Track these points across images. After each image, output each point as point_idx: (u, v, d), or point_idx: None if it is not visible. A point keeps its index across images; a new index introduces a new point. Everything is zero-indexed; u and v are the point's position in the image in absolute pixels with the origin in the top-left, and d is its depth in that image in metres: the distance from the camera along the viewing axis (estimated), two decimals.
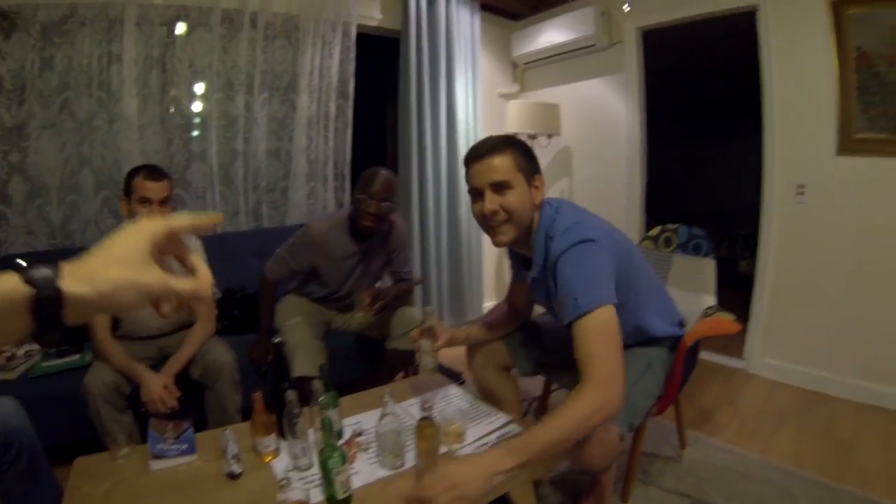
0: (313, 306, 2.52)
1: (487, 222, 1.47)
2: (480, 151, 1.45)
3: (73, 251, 2.24)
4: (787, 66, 2.88)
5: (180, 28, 2.91)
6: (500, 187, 1.43)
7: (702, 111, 5.22)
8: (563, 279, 1.38)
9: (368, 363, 2.65)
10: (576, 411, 1.23)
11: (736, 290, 3.30)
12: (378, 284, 2.57)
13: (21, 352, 2.25)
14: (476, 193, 1.48)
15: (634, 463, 1.82)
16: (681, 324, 1.79)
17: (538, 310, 2.00)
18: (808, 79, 2.79)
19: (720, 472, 2.02)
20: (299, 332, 2.31)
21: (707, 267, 2.02)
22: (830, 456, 2.09)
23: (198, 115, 3.03)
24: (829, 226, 2.73)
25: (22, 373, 2.20)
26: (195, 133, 3.01)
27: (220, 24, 2.94)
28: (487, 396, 1.95)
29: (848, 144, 2.68)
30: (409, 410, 1.85)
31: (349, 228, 2.33)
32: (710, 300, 1.96)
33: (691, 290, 2.02)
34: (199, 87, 3.02)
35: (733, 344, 2.98)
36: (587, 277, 1.35)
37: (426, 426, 1.52)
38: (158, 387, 1.95)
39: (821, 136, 2.73)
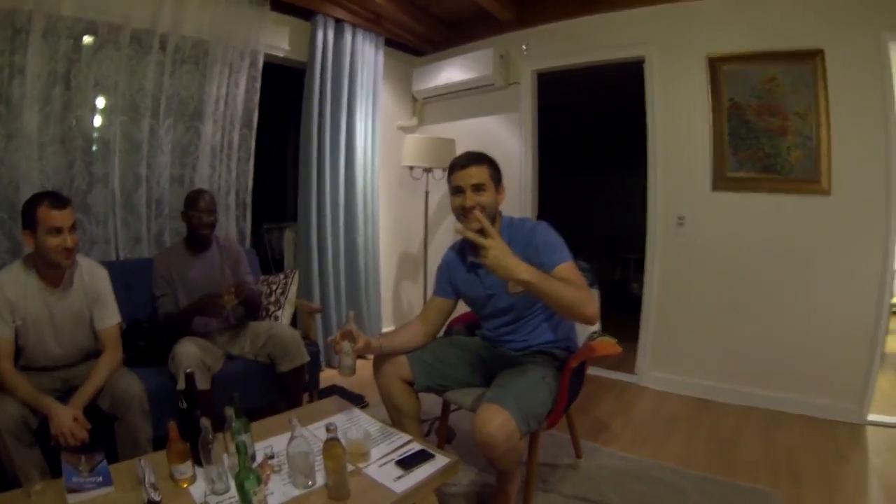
0: (204, 342, 2.62)
1: (466, 213, 1.90)
2: (465, 161, 1.94)
3: None
4: (669, 111, 3.27)
5: (88, 41, 2.83)
6: (478, 188, 1.91)
7: (595, 145, 5.55)
8: (542, 241, 1.88)
9: (272, 389, 2.78)
10: (575, 292, 1.72)
11: (629, 311, 3.57)
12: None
13: None
14: (458, 191, 1.93)
15: (532, 471, 1.95)
16: (568, 349, 2.07)
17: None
18: (687, 123, 3.18)
19: (616, 476, 2.15)
20: (191, 349, 2.43)
21: (593, 297, 2.18)
22: (717, 454, 2.31)
23: (101, 137, 2.96)
24: (706, 252, 3.09)
25: None
26: (97, 155, 2.93)
27: (128, 43, 2.89)
28: (390, 406, 2.11)
29: (721, 182, 3.10)
30: (316, 433, 1.95)
31: (186, 247, 2.73)
32: (596, 326, 2.06)
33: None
34: (104, 108, 2.96)
35: (626, 360, 3.21)
36: (560, 242, 1.89)
37: (333, 446, 1.64)
38: (68, 419, 1.88)
39: (698, 174, 3.11)
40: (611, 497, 2.00)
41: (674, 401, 2.89)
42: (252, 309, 2.79)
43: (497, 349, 2.13)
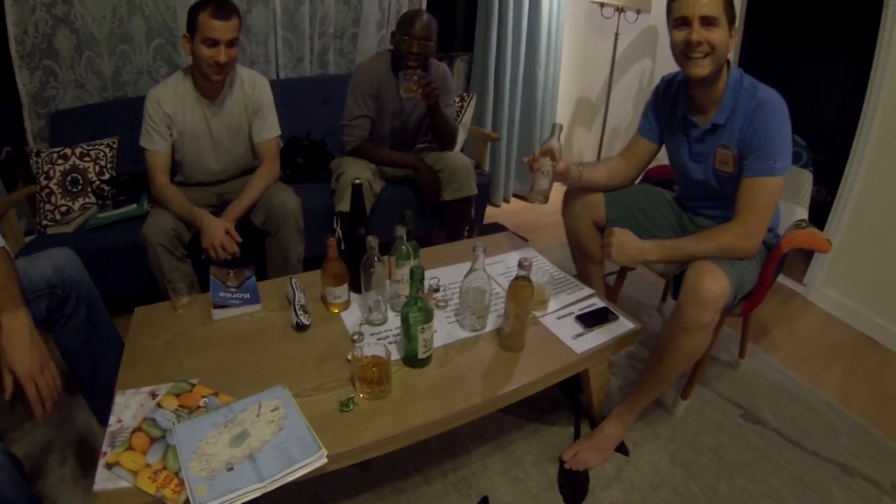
0: (373, 165, 2.38)
1: (690, 51, 1.48)
2: None
3: (125, 102, 2.13)
4: None
5: None
6: (708, 22, 1.44)
7: (809, 21, 4.55)
8: (766, 131, 1.47)
9: (432, 218, 2.54)
10: (719, 239, 1.50)
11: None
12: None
13: (77, 205, 2.15)
14: (682, 22, 1.48)
15: (707, 358, 1.75)
16: (772, 230, 1.78)
17: None
18: None
19: (772, 389, 2.00)
20: (360, 166, 2.27)
21: (804, 178, 1.87)
22: (874, 404, 2.01)
23: None
24: None
25: (79, 225, 2.11)
26: None
27: None
28: (576, 251, 1.94)
29: None
30: (487, 270, 1.65)
31: (392, 67, 2.32)
32: (803, 213, 1.86)
33: (785, 200, 1.87)
34: None
35: (795, 266, 2.82)
36: (787, 143, 1.49)
37: (524, 286, 1.33)
38: (220, 231, 1.81)
39: None
40: (765, 412, 1.87)
41: (840, 328, 2.52)
42: (447, 141, 2.48)
43: (698, 219, 1.84)
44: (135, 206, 2.14)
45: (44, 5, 2.26)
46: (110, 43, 2.45)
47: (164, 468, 0.98)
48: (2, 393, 1.06)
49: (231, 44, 1.81)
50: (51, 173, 2.12)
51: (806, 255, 2.77)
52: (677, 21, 1.49)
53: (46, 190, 2.11)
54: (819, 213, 2.67)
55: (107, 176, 2.22)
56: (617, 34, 3.34)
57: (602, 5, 3.27)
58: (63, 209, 2.12)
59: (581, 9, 3.62)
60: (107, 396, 1.45)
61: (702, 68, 1.47)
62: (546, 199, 1.62)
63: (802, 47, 3.98)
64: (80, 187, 2.15)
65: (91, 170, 2.18)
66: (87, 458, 1.53)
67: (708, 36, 1.44)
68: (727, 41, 1.47)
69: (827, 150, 2.88)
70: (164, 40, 2.56)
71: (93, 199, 2.18)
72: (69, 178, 2.14)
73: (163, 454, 1.01)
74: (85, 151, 2.19)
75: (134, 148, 2.25)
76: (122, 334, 1.49)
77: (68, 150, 2.16)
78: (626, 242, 1.57)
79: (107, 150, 2.25)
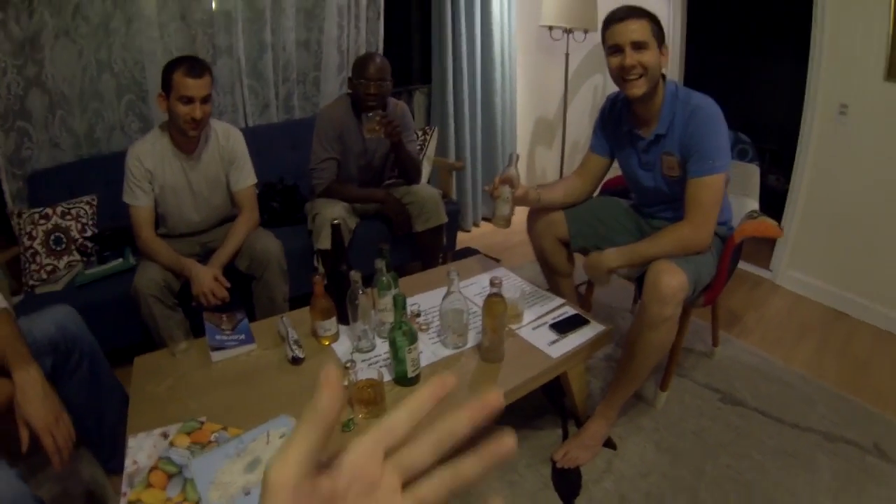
0: (345, 203, 2.45)
1: (625, 75, 1.62)
2: (622, 14, 1.61)
3: (100, 158, 2.16)
4: None
5: None
6: (638, 46, 1.58)
7: (746, 22, 4.83)
8: (701, 135, 1.61)
9: (405, 250, 2.64)
10: (671, 238, 1.62)
11: (763, 205, 3.21)
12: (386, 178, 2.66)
13: (62, 263, 2.20)
14: (615, 49, 1.62)
15: (677, 352, 1.85)
16: (726, 224, 1.89)
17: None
18: (861, 1, 2.45)
19: (747, 371, 2.11)
20: (334, 207, 2.33)
21: (752, 172, 2.04)
22: (848, 372, 2.14)
23: (221, 9, 2.78)
24: (870, 149, 2.49)
25: (67, 283, 2.15)
26: (219, 27, 2.78)
27: None
28: (544, 265, 2.04)
29: None
30: (463, 292, 1.74)
31: (353, 109, 2.42)
32: (754, 204, 2.00)
33: (736, 194, 2.02)
34: None
35: (760, 254, 2.98)
36: (723, 143, 1.62)
37: (496, 302, 1.45)
38: (209, 278, 1.89)
39: (868, 60, 2.45)
40: (742, 393, 1.98)
41: (808, 306, 2.68)
42: (413, 176, 2.58)
43: (654, 222, 1.94)
44: (120, 260, 2.20)
45: (14, 66, 2.30)
46: (82, 101, 2.50)
47: (185, 500, 1.07)
48: (19, 446, 1.12)
49: (205, 100, 1.88)
50: (34, 233, 2.16)
51: (769, 243, 2.92)
52: (611, 48, 1.63)
53: (31, 250, 2.15)
54: (781, 201, 2.87)
55: (89, 233, 2.27)
56: (567, 54, 3.51)
57: (551, 28, 3.44)
58: (49, 268, 2.16)
59: (531, 34, 3.78)
60: (112, 446, 1.52)
61: (638, 88, 1.61)
62: (508, 223, 1.73)
63: (744, 48, 4.24)
64: (63, 246, 2.20)
65: (73, 228, 2.23)
66: None
67: (640, 59, 1.58)
68: (658, 60, 1.61)
69: (779, 141, 3.09)
70: (134, 96, 2.62)
71: (77, 257, 2.22)
72: (52, 237, 2.19)
73: (182, 488, 1.09)
74: (66, 210, 2.24)
75: (113, 204, 2.33)
76: (124, 384, 1.54)
77: (49, 210, 2.21)
78: (592, 260, 1.69)
79: (87, 207, 2.31)
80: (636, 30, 1.58)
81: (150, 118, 2.62)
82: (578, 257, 2.02)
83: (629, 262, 1.65)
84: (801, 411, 1.88)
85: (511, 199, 1.72)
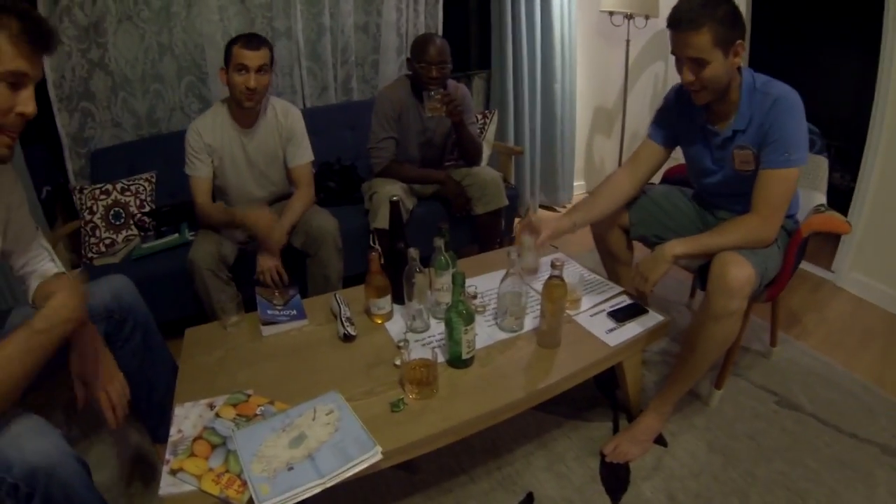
0: (403, 184, 2.44)
1: (686, 87, 1.56)
2: (679, 20, 1.46)
3: (160, 138, 2.21)
4: None
5: None
6: (697, 63, 1.47)
7: (814, 11, 4.57)
8: (781, 126, 1.50)
9: (458, 234, 2.50)
10: (737, 230, 1.53)
11: (827, 201, 3.02)
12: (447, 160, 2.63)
13: (120, 237, 2.24)
14: (676, 57, 1.53)
15: (736, 349, 1.77)
16: (792, 217, 1.81)
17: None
18: None
19: (805, 375, 2.01)
20: (392, 186, 2.32)
21: (820, 164, 1.90)
22: None
23: None
24: None
25: (124, 256, 2.20)
26: (278, 10, 2.78)
27: None
28: (604, 253, 2.01)
29: None
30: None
31: (412, 90, 2.41)
32: (821, 198, 1.89)
33: (803, 187, 1.89)
34: None
35: (822, 254, 2.82)
36: (802, 135, 1.52)
37: (557, 285, 1.38)
38: (270, 264, 1.92)
39: None
40: (800, 398, 1.88)
41: (872, 311, 2.50)
42: (473, 157, 2.54)
43: (720, 213, 1.84)
44: (176, 235, 2.23)
45: (79, 50, 2.37)
46: (143, 83, 2.56)
47: (227, 471, 1.02)
48: (75, 403, 1.12)
49: (260, 70, 1.92)
50: (94, 208, 2.21)
51: (833, 243, 2.77)
52: (673, 53, 1.53)
53: (91, 224, 2.20)
54: (844, 199, 2.68)
55: (147, 209, 2.30)
56: (628, 41, 3.38)
57: (611, 14, 3.30)
58: (107, 241, 2.21)
59: (591, 19, 3.64)
60: (160, 415, 1.51)
61: (700, 99, 1.54)
62: (537, 270, 1.73)
63: (810, 39, 3.99)
64: (122, 220, 2.24)
65: (132, 203, 2.27)
66: (143, 471, 1.58)
67: (698, 74, 1.47)
68: (723, 70, 1.48)
69: (846, 137, 2.90)
70: (194, 77, 2.66)
71: (135, 231, 2.26)
72: (112, 212, 2.23)
73: (224, 459, 1.05)
74: (125, 186, 2.28)
75: (171, 181, 2.39)
76: (174, 356, 1.54)
77: (110, 186, 2.26)
78: (646, 262, 1.58)
79: (146, 184, 2.34)
80: (694, 45, 1.44)
81: (209, 99, 2.64)
82: (638, 247, 1.95)
83: (694, 252, 1.57)
84: (860, 421, 1.75)
85: (534, 247, 1.70)
